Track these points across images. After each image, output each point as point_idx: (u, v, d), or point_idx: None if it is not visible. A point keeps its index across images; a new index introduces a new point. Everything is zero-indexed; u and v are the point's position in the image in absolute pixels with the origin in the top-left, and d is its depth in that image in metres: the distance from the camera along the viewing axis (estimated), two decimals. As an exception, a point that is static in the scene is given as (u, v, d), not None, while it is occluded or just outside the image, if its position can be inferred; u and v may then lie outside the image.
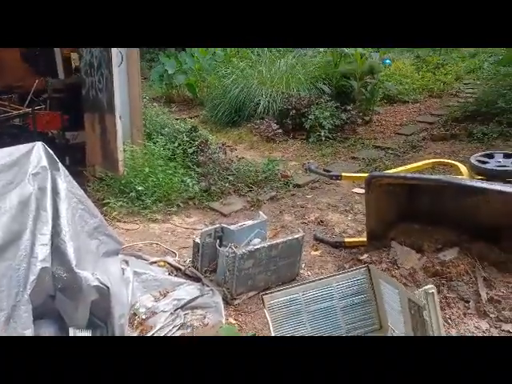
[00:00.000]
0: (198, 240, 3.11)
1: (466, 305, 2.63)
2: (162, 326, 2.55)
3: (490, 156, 3.21)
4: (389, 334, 2.36)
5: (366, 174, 3.34)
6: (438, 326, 1.99)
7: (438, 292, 2.53)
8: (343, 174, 3.71)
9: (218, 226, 3.14)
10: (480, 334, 2.45)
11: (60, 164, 2.40)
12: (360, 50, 7.27)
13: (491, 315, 2.53)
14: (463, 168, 3.33)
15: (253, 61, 8.29)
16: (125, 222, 4.02)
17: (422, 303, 1.97)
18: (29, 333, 2.02)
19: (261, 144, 6.58)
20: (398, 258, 2.97)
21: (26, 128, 4.96)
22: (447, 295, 2.67)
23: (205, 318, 2.68)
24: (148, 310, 2.66)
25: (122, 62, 4.35)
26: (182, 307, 2.72)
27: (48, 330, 2.24)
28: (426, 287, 2.02)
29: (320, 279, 2.46)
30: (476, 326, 2.50)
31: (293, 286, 2.41)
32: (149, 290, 2.83)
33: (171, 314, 2.65)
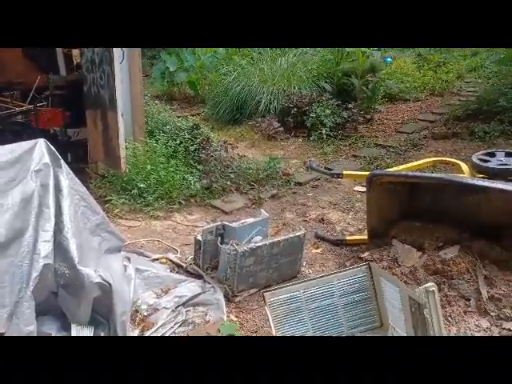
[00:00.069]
0: (199, 237, 3.11)
1: (467, 303, 2.63)
2: (164, 322, 2.56)
3: (492, 154, 3.20)
4: (389, 332, 2.37)
5: (367, 173, 3.34)
6: (439, 324, 1.99)
7: (439, 290, 2.53)
8: (344, 172, 3.71)
9: (219, 223, 3.15)
10: (480, 332, 2.46)
11: (62, 161, 2.41)
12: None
13: (492, 313, 2.53)
14: (464, 166, 3.33)
15: (254, 59, 8.27)
16: (127, 219, 4.03)
17: (422, 301, 1.98)
18: (31, 329, 2.03)
19: (262, 142, 6.58)
20: (399, 256, 2.97)
21: (28, 125, 4.96)
22: (448, 293, 2.67)
23: (206, 314, 2.69)
24: (150, 306, 2.67)
25: (123, 59, 4.35)
26: (183, 304, 2.74)
27: (50, 327, 2.25)
28: (426, 285, 2.03)
29: (321, 277, 2.47)
30: (476, 324, 2.51)
31: (294, 284, 2.42)
32: (150, 286, 2.84)
33: (173, 310, 2.67)
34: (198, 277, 3.05)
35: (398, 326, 2.28)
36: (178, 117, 6.60)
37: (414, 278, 2.79)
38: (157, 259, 3.26)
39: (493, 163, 3.06)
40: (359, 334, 2.44)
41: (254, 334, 2.58)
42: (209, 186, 4.61)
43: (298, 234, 3.08)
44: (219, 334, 2.48)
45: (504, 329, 2.45)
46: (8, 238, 2.08)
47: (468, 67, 10.98)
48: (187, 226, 3.99)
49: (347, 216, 4.21)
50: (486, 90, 8.04)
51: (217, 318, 2.66)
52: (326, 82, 7.49)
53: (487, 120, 6.47)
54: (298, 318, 2.36)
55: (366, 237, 3.38)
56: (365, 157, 5.82)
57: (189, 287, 2.88)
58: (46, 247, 2.14)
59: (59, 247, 2.20)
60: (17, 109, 4.94)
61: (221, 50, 9.58)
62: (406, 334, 2.20)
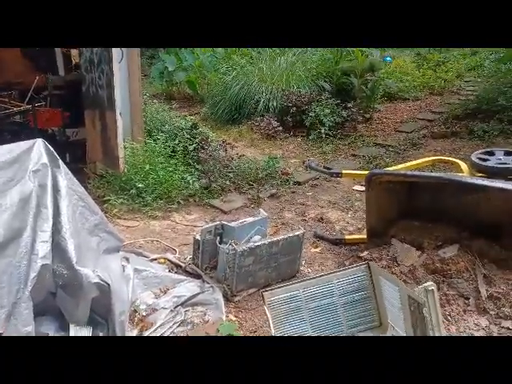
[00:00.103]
0: (198, 237, 3.11)
1: (466, 302, 2.63)
2: (163, 322, 2.56)
3: (491, 153, 3.20)
4: (389, 331, 2.37)
5: (366, 172, 3.33)
6: (438, 323, 1.99)
7: (438, 289, 2.53)
8: (343, 171, 3.71)
9: (218, 223, 3.14)
10: (480, 331, 2.45)
11: (60, 161, 2.40)
12: (360, 47, 7.25)
13: (491, 312, 2.53)
14: (464, 165, 3.33)
15: (253, 58, 8.27)
16: (125, 219, 4.02)
17: (421, 300, 1.97)
18: (29, 329, 2.03)
19: (261, 141, 6.58)
20: (398, 255, 2.97)
21: (27, 125, 4.95)
22: (447, 292, 2.67)
23: (205, 314, 2.69)
24: (148, 306, 2.67)
25: (122, 58, 4.34)
26: (182, 304, 2.73)
27: (49, 327, 2.25)
28: (425, 284, 2.03)
29: (320, 276, 2.47)
30: (476, 323, 2.51)
31: (293, 283, 2.42)
32: (149, 286, 2.84)
33: (171, 310, 2.66)
34: (197, 277, 3.04)
35: (398, 325, 2.28)
36: (177, 116, 6.59)
37: (413, 277, 2.79)
38: (155, 259, 3.26)
39: (492, 162, 3.06)
40: (359, 333, 2.44)
41: (254, 334, 2.57)
42: (208, 185, 4.61)
43: (297, 233, 3.07)
44: (218, 334, 2.48)
45: (503, 327, 2.45)
46: (6, 238, 2.07)
47: (467, 66, 10.99)
48: (186, 225, 3.98)
49: (346, 215, 4.21)
50: (485, 89, 8.04)
51: (216, 317, 2.65)
52: (325, 81, 7.49)
53: (486, 119, 6.47)
54: (298, 317, 2.36)
55: (365, 236, 3.38)
56: (364, 156, 5.82)
57: (188, 287, 2.88)
58: (44, 247, 2.13)
59: (57, 247, 2.19)
60: (15, 109, 4.93)
61: (220, 49, 9.57)
62: (405, 333, 2.20)
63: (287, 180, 4.98)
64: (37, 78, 5.18)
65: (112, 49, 4.10)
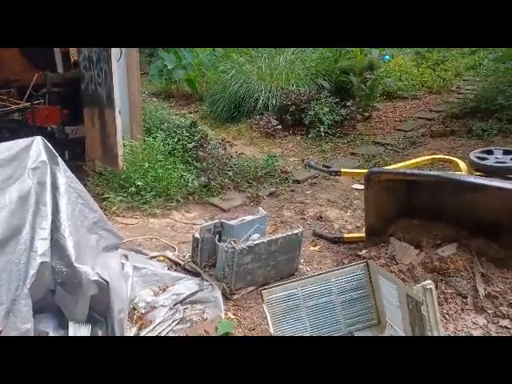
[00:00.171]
0: (197, 235, 3.11)
1: (464, 300, 2.64)
2: (162, 320, 2.56)
3: (490, 152, 3.20)
4: (387, 329, 2.38)
5: (365, 170, 3.34)
6: (436, 322, 2.00)
7: (436, 287, 2.54)
8: (342, 169, 3.71)
9: (217, 221, 3.15)
10: (477, 330, 2.46)
11: (59, 158, 2.40)
12: (360, 45, 7.24)
13: (489, 311, 2.54)
14: (462, 164, 3.33)
15: (252, 56, 8.25)
16: (124, 216, 4.02)
17: (420, 299, 1.98)
18: (29, 326, 2.03)
19: (260, 140, 6.57)
20: (397, 253, 2.98)
21: (25, 122, 4.94)
22: (445, 291, 2.68)
23: (204, 312, 2.69)
24: (147, 304, 2.67)
25: (121, 56, 4.33)
26: (181, 302, 2.74)
27: (48, 325, 2.25)
28: (424, 283, 2.03)
29: (319, 274, 2.47)
30: (473, 322, 2.52)
31: (291, 281, 2.42)
32: (148, 284, 2.84)
33: (170, 308, 2.67)
34: (196, 274, 3.05)
35: (396, 323, 2.29)
36: (176, 114, 6.59)
37: (411, 275, 2.80)
38: (154, 257, 3.26)
39: (490, 161, 3.06)
40: (357, 332, 2.44)
41: (252, 332, 2.58)
42: (207, 183, 4.61)
43: (295, 231, 3.08)
44: (217, 332, 2.48)
45: (501, 326, 2.46)
46: (5, 235, 2.07)
47: (466, 65, 10.98)
48: (185, 223, 3.99)
49: (345, 214, 4.21)
50: (484, 88, 8.05)
51: (214, 315, 2.66)
52: (324, 80, 7.48)
53: (485, 118, 6.48)
54: (296, 315, 2.37)
55: (363, 234, 3.39)
56: (363, 154, 5.83)
57: (186, 285, 2.88)
58: (43, 245, 2.13)
59: (56, 245, 2.19)
60: (14, 106, 4.92)
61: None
62: (403, 332, 2.21)
63: (286, 178, 4.98)
64: (35, 75, 5.17)
65: (111, 46, 4.09)
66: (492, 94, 6.96)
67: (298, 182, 4.98)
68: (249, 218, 3.17)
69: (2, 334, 1.98)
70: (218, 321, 2.59)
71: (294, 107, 6.67)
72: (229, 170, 4.91)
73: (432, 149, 5.90)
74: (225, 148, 5.34)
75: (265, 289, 2.35)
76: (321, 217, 4.11)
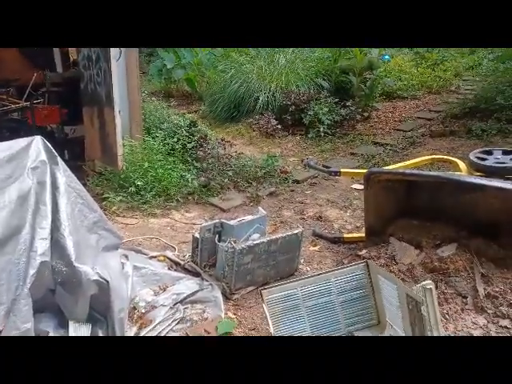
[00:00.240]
0: (197, 235, 3.11)
1: (464, 300, 2.64)
2: (162, 320, 2.56)
3: (489, 153, 3.21)
4: (387, 329, 2.38)
5: (364, 170, 3.34)
6: (436, 322, 2.00)
7: (436, 288, 2.54)
8: (342, 169, 3.71)
9: (217, 221, 3.15)
10: (477, 330, 2.47)
11: (59, 158, 2.40)
12: (360, 45, 7.23)
13: (489, 311, 2.54)
14: (462, 164, 3.33)
15: (252, 56, 8.25)
16: (124, 216, 4.02)
17: (419, 299, 1.98)
18: (29, 326, 2.03)
19: (260, 139, 6.57)
20: (397, 253, 2.98)
21: (25, 122, 4.93)
22: (445, 291, 2.68)
23: (204, 312, 2.69)
24: (147, 304, 2.67)
25: (120, 55, 4.33)
26: (181, 301, 2.74)
27: (48, 324, 2.25)
28: (424, 283, 2.04)
29: (319, 274, 2.47)
30: (473, 322, 2.52)
31: (291, 281, 2.42)
32: (148, 284, 2.84)
33: (171, 308, 2.67)
34: (196, 274, 3.05)
35: (396, 323, 2.29)
36: (176, 114, 6.58)
37: (411, 275, 2.80)
38: (154, 257, 3.26)
39: (490, 161, 3.07)
40: (357, 332, 2.44)
41: (252, 332, 2.58)
42: (206, 183, 4.61)
43: (295, 231, 3.08)
44: (217, 332, 2.48)
45: (501, 326, 2.47)
46: (5, 235, 2.07)
47: (466, 65, 10.99)
48: (185, 223, 3.98)
49: (345, 214, 4.22)
50: (483, 88, 8.06)
51: (214, 315, 2.66)
52: (323, 80, 7.49)
53: (484, 118, 6.48)
54: (296, 315, 2.37)
55: (363, 234, 3.39)
56: (362, 154, 5.83)
57: (187, 285, 2.88)
58: (42, 245, 2.13)
59: (56, 245, 2.19)
60: (13, 106, 4.91)
61: (218, 47, 9.54)
62: (403, 332, 2.21)
63: (286, 178, 4.98)
64: (35, 74, 5.16)
65: (110, 46, 4.09)
66: (491, 94, 6.97)
67: (297, 181, 4.98)
68: (248, 217, 3.17)
69: (3, 334, 1.98)
70: (218, 320, 2.59)
71: (293, 107, 6.67)
72: (228, 170, 4.91)
73: (431, 149, 5.90)
74: (224, 148, 5.34)
75: (265, 288, 2.35)
76: (320, 217, 4.11)
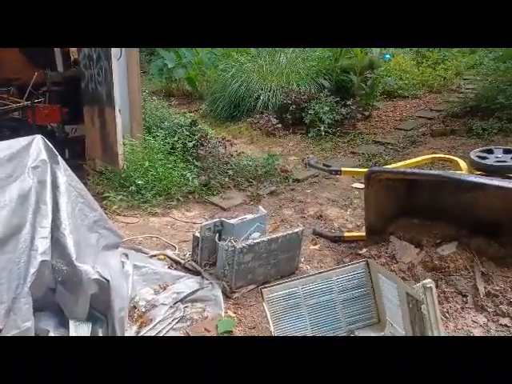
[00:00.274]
0: (197, 234, 3.11)
1: (464, 299, 2.64)
2: (162, 318, 2.56)
3: (490, 151, 3.21)
4: (387, 328, 2.38)
5: (365, 169, 3.34)
6: (436, 320, 2.00)
7: (436, 286, 2.54)
8: (343, 168, 3.71)
9: (217, 219, 3.15)
10: (477, 328, 2.47)
11: (59, 157, 2.40)
12: (360, 44, 7.23)
13: (489, 309, 2.54)
14: (462, 163, 3.33)
15: (253, 55, 8.25)
16: (125, 215, 4.02)
17: (420, 297, 1.98)
18: (29, 325, 2.03)
19: (260, 138, 6.57)
20: (397, 252, 2.98)
21: (25, 121, 4.94)
22: (445, 289, 2.68)
23: (204, 311, 2.70)
24: (148, 302, 2.67)
25: (120, 55, 4.33)
26: (181, 300, 2.74)
27: (48, 323, 2.25)
28: (424, 281, 2.03)
29: (319, 273, 2.47)
30: (474, 320, 2.52)
31: (292, 280, 2.42)
32: (148, 283, 2.84)
33: (171, 307, 2.67)
34: (196, 273, 3.05)
35: (396, 322, 2.29)
36: (177, 113, 6.59)
37: (411, 274, 2.80)
38: (155, 256, 3.26)
39: (490, 160, 3.07)
40: (357, 330, 2.44)
41: (252, 330, 2.58)
42: (207, 182, 4.61)
43: (296, 230, 3.08)
44: (217, 330, 2.48)
45: (501, 325, 2.47)
46: (5, 234, 2.07)
47: (466, 64, 10.97)
48: (185, 222, 3.99)
49: (345, 213, 4.21)
50: (484, 87, 8.05)
51: (215, 314, 2.66)
52: (324, 79, 7.48)
53: (485, 117, 6.48)
54: (297, 314, 2.37)
55: (364, 233, 3.39)
56: (363, 153, 5.82)
57: (187, 283, 2.88)
58: (43, 243, 2.13)
59: (57, 244, 2.19)
60: (14, 105, 4.92)
61: (219, 46, 9.53)
62: (403, 330, 2.21)
63: (286, 177, 4.98)
64: (35, 74, 5.16)
65: (111, 45, 4.08)
66: (492, 93, 6.96)
67: (298, 180, 4.98)
68: (249, 216, 3.17)
69: (3, 333, 1.98)
70: (218, 319, 2.59)
71: (294, 106, 6.66)
72: (229, 169, 4.91)
73: (432, 148, 5.89)
74: (225, 147, 5.34)
75: (265, 287, 2.35)
76: (321, 216, 4.11)
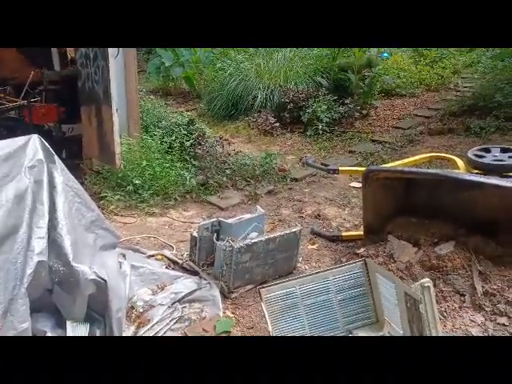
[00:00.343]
0: (195, 234, 3.11)
1: (462, 298, 2.65)
2: (160, 319, 2.56)
3: (487, 150, 3.21)
4: (385, 328, 2.38)
5: (363, 168, 3.34)
6: (434, 320, 2.00)
7: (434, 286, 2.54)
8: (340, 167, 3.71)
9: (215, 219, 3.14)
10: (475, 327, 2.47)
11: (56, 157, 2.39)
12: (358, 43, 7.22)
13: (486, 308, 2.55)
14: (460, 162, 3.33)
15: (250, 54, 8.23)
16: (122, 215, 4.01)
17: (418, 297, 1.98)
18: (26, 326, 2.02)
19: (258, 137, 6.57)
20: (395, 251, 2.98)
21: (22, 120, 4.91)
22: (443, 289, 2.69)
23: (202, 311, 2.69)
24: (145, 303, 2.67)
25: (118, 53, 4.31)
26: (179, 300, 2.73)
27: (45, 324, 2.24)
28: (422, 281, 2.04)
29: (317, 273, 2.47)
30: (471, 319, 2.52)
31: (290, 280, 2.42)
32: (146, 283, 2.84)
33: (169, 307, 2.66)
34: (194, 273, 3.04)
35: (394, 321, 2.29)
36: (174, 112, 6.58)
37: (409, 273, 2.80)
38: (152, 256, 3.26)
39: (488, 159, 3.07)
40: (355, 330, 2.45)
41: (250, 330, 2.58)
42: (205, 181, 4.60)
43: (293, 230, 3.08)
44: (215, 330, 2.48)
45: (498, 324, 2.47)
46: (2, 234, 2.06)
47: (464, 63, 10.98)
48: (183, 222, 3.98)
49: (343, 212, 4.21)
50: (481, 85, 8.06)
51: (213, 314, 2.66)
52: (322, 78, 7.48)
53: (483, 116, 6.49)
54: (294, 313, 2.37)
55: (361, 233, 3.39)
56: (361, 152, 5.82)
57: (185, 284, 2.88)
58: (40, 244, 2.12)
59: (53, 244, 2.18)
60: (10, 104, 4.89)
61: (217, 44, 9.51)
62: (401, 330, 2.21)
63: (284, 176, 4.97)
64: (32, 73, 5.13)
65: (108, 44, 4.07)
66: (490, 91, 6.97)
67: (295, 180, 4.97)
68: (247, 216, 3.17)
69: (0, 334, 1.97)
70: (216, 319, 2.59)
71: (292, 105, 6.66)
72: (227, 168, 4.90)
73: (430, 147, 5.90)
74: (222, 146, 5.33)
75: (263, 287, 2.35)
76: (319, 215, 4.11)
